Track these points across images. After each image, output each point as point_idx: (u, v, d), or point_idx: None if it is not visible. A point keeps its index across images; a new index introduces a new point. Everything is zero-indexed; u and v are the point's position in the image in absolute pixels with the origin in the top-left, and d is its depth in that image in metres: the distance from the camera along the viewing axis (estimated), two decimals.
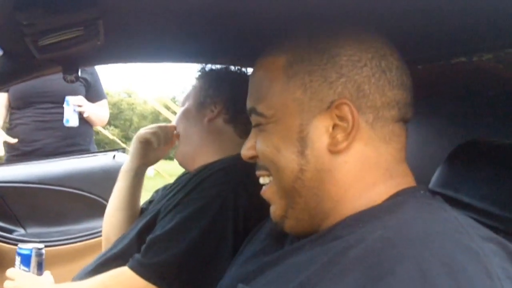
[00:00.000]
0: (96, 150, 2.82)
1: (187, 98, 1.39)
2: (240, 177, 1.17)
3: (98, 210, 2.22)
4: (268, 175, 0.74)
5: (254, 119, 0.75)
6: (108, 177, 2.27)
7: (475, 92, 1.16)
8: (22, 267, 1.24)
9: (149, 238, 1.14)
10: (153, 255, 1.10)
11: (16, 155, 2.62)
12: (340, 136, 0.66)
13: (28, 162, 2.32)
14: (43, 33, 0.79)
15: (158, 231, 1.15)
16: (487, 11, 0.75)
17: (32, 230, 2.10)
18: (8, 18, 0.72)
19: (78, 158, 2.39)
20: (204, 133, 1.32)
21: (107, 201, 2.25)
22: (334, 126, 0.66)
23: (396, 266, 0.52)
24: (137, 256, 1.13)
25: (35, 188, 2.11)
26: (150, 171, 13.52)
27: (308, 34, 0.71)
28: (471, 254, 0.53)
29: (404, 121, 0.70)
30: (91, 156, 2.44)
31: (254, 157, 0.76)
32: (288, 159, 0.69)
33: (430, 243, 0.54)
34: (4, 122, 2.66)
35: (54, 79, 2.48)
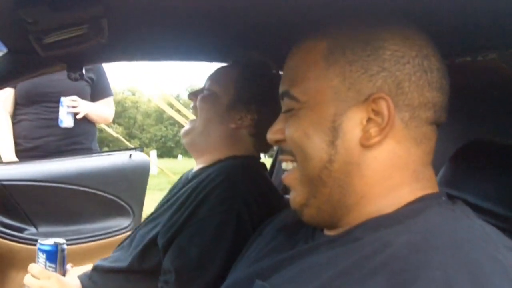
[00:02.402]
0: (98, 149, 2.82)
1: (217, 81, 1.28)
2: (246, 186, 1.14)
3: (113, 209, 2.21)
4: (292, 161, 0.72)
5: (286, 103, 0.73)
6: (124, 176, 2.25)
7: (480, 91, 1.16)
8: (49, 263, 1.20)
9: (175, 267, 1.09)
10: (187, 287, 1.07)
11: (17, 150, 2.62)
12: (373, 130, 0.65)
13: (41, 160, 2.30)
14: (47, 31, 0.79)
15: (179, 257, 1.10)
16: (492, 10, 0.75)
17: (44, 229, 2.08)
18: (13, 16, 0.72)
19: (94, 157, 2.38)
20: (224, 135, 1.26)
21: (123, 200, 2.22)
22: (368, 120, 0.65)
23: (422, 272, 0.52)
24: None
25: (48, 186, 2.08)
26: (154, 169, 13.54)
27: (353, 22, 0.69)
28: (497, 265, 0.52)
29: (437, 124, 0.69)
30: (107, 155, 2.41)
31: (281, 141, 0.75)
32: (318, 147, 0.67)
33: (456, 251, 0.54)
34: (10, 117, 2.66)
35: (61, 79, 2.48)
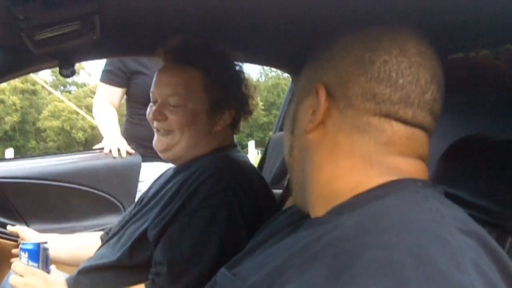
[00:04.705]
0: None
1: (181, 92, 1.20)
2: (234, 178, 1.15)
3: (105, 207, 2.19)
4: None
5: None
6: (115, 173, 2.21)
7: (472, 87, 1.16)
8: (31, 262, 1.19)
9: (167, 259, 1.10)
10: (179, 279, 1.08)
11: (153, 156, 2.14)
12: (313, 117, 0.70)
13: (32, 158, 2.27)
14: (39, 27, 0.79)
15: (171, 249, 1.10)
16: (485, 7, 0.75)
17: (36, 226, 2.04)
18: (5, 13, 0.72)
19: (86, 154, 2.34)
20: (209, 138, 1.25)
21: (114, 198, 2.17)
22: (314, 109, 0.70)
23: (365, 252, 0.52)
24: (162, 279, 1.09)
25: (40, 184, 2.05)
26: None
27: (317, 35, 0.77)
28: (444, 246, 0.52)
29: (392, 118, 0.67)
30: (98, 152, 2.32)
31: None
32: (287, 137, 0.78)
33: (402, 231, 0.54)
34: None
35: None
